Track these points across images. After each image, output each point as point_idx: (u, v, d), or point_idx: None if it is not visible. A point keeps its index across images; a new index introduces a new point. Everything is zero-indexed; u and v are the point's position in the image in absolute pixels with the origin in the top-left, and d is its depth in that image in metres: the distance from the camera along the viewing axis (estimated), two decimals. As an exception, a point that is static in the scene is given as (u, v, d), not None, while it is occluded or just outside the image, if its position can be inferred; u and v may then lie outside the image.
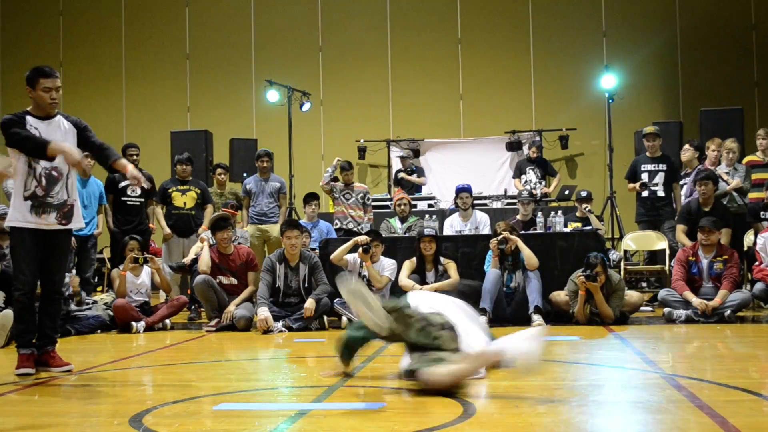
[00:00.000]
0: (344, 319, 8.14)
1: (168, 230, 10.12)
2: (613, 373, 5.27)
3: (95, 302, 8.66)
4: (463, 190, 9.95)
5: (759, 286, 8.30)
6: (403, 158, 14.14)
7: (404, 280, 8.27)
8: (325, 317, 8.10)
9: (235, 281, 8.46)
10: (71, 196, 5.44)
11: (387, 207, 11.64)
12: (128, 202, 9.94)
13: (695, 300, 7.98)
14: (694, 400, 4.05)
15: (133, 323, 8.07)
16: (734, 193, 9.67)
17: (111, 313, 8.28)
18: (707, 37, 15.52)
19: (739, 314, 8.09)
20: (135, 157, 10.06)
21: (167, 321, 8.37)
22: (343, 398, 4.46)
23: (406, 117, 16.01)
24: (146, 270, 8.61)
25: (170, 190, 10.28)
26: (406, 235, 9.69)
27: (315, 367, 5.98)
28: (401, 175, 13.76)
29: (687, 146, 10.82)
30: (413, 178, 13.63)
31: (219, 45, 16.72)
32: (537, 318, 7.84)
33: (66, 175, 5.39)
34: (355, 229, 10.29)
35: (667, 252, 9.76)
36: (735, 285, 8.09)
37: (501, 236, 8.20)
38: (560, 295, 8.19)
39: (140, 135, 14.58)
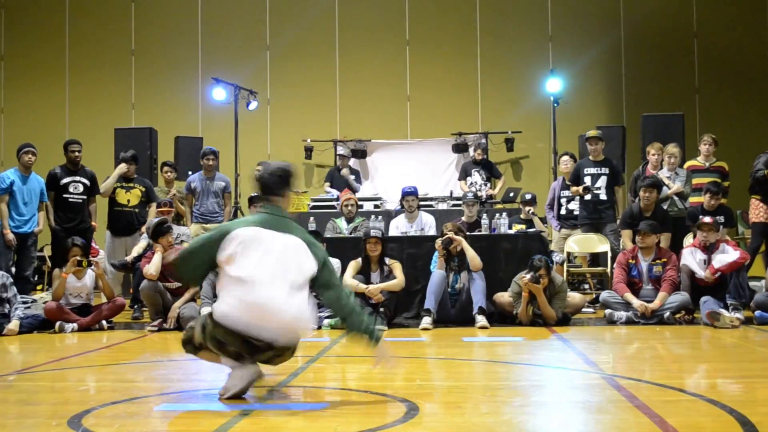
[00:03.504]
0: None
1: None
2: (555, 373, 5.33)
3: (35, 301, 8.50)
4: (409, 194, 9.97)
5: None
6: (342, 156, 13.80)
7: (349, 279, 8.25)
8: (269, 317, 8.04)
9: (179, 284, 8.33)
10: None
11: (333, 207, 11.60)
12: (70, 200, 9.76)
13: (635, 302, 8.11)
14: (633, 400, 4.11)
15: (63, 324, 7.88)
16: (675, 198, 9.85)
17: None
18: (650, 43, 15.79)
19: (676, 316, 8.24)
20: (77, 154, 9.89)
21: (103, 322, 8.21)
22: (285, 399, 4.45)
23: (353, 117, 15.99)
24: (90, 273, 8.35)
25: (114, 187, 10.14)
26: (352, 235, 9.69)
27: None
28: (343, 171, 13.30)
29: (567, 157, 11.09)
30: (351, 180, 13.10)
31: (165, 41, 16.51)
32: (481, 319, 7.89)
33: None
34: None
35: (609, 254, 9.90)
36: (674, 287, 8.23)
37: (446, 237, 8.24)
38: (504, 297, 8.25)
39: (83, 131, 14.34)
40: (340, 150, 13.96)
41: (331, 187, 13.17)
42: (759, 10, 15.82)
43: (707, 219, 8.46)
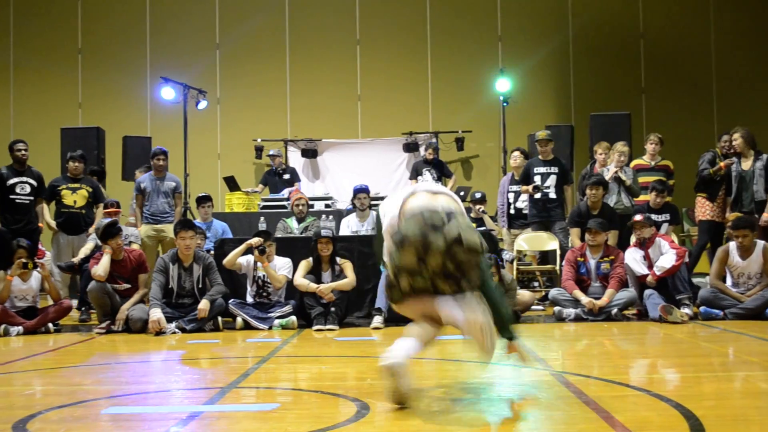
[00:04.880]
0: (239, 320, 8.06)
1: (53, 224, 9.85)
2: (505, 371, 5.37)
3: (-22, 304, 8.32)
4: (360, 191, 9.97)
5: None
6: (272, 156, 13.58)
7: (299, 279, 8.24)
8: (219, 318, 7.99)
9: (128, 285, 8.25)
10: None
11: (284, 207, 11.55)
12: (17, 201, 9.62)
13: (584, 299, 8.21)
14: (581, 396, 4.16)
15: (8, 327, 7.77)
16: (623, 196, 9.96)
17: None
18: (598, 43, 16.00)
19: (624, 312, 8.36)
20: (24, 153, 9.73)
21: (50, 324, 8.07)
22: (236, 400, 4.42)
23: (304, 117, 15.97)
24: (35, 275, 8.23)
25: (60, 188, 9.97)
26: (303, 235, 9.66)
27: (209, 369, 5.91)
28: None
29: (518, 153, 11.15)
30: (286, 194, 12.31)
31: (113, 40, 16.30)
32: (432, 317, 7.91)
33: None
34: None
35: (558, 252, 10.01)
36: (621, 284, 8.37)
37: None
38: (455, 295, 8.27)
39: (29, 131, 14.13)
40: (272, 151, 13.78)
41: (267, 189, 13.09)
42: (704, 11, 16.11)
43: (638, 217, 8.66)
